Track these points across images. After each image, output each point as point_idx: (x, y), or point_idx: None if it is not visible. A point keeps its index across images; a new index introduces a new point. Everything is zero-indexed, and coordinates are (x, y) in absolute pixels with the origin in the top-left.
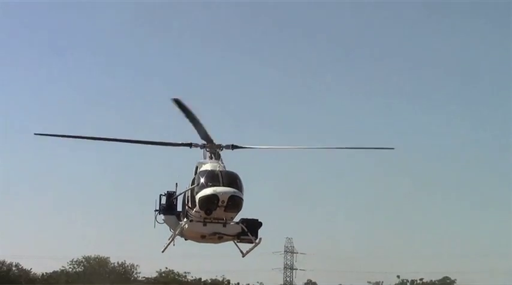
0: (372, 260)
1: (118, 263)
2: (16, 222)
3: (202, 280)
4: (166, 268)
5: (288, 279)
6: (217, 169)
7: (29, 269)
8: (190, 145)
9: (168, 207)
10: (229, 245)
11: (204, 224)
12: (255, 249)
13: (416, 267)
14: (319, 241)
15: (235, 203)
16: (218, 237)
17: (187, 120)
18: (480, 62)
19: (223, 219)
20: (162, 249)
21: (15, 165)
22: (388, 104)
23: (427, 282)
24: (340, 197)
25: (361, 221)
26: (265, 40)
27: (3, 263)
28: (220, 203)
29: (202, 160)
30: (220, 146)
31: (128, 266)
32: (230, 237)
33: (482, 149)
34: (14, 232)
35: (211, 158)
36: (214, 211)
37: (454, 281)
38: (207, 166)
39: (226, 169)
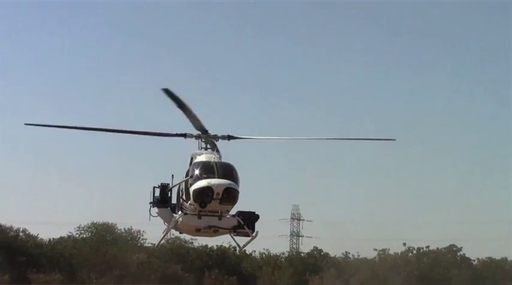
0: (378, 227)
1: (125, 229)
2: (23, 188)
3: (208, 247)
4: (173, 235)
5: (294, 246)
6: (213, 160)
7: (36, 234)
8: (184, 135)
9: (162, 200)
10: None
11: (199, 217)
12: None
13: (422, 235)
14: (326, 208)
15: (230, 195)
16: (213, 231)
17: (179, 110)
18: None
19: (218, 212)
20: (156, 244)
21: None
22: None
23: (433, 249)
24: (345, 164)
25: (367, 188)
26: None
27: (10, 228)
28: (215, 196)
29: (197, 151)
30: (216, 137)
31: (134, 232)
32: (226, 231)
33: (489, 114)
34: (21, 198)
35: (206, 149)
36: (209, 204)
37: (460, 249)
38: (202, 157)
39: (222, 160)
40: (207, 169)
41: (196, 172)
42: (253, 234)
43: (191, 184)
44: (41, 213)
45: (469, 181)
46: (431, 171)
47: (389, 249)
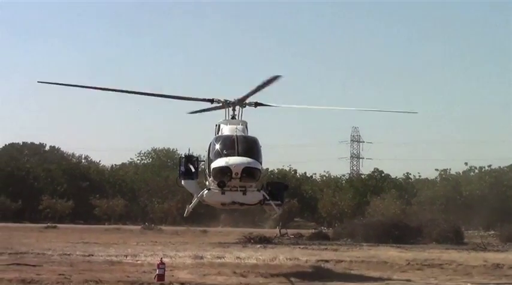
0: (439, 147)
1: (185, 154)
2: (84, 115)
3: (269, 170)
4: None
5: (354, 168)
6: (235, 133)
7: (98, 161)
8: (212, 100)
9: (187, 171)
10: (294, 139)
11: (223, 193)
12: None
13: (484, 154)
14: (386, 130)
15: (249, 174)
16: (239, 204)
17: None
18: None
19: (241, 187)
20: (185, 214)
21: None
22: None
23: (495, 168)
24: (403, 85)
25: (426, 107)
26: None
27: (72, 155)
28: (233, 176)
29: (222, 120)
30: (243, 104)
31: (194, 156)
32: (251, 205)
33: None
34: (82, 125)
35: (233, 117)
36: (229, 182)
37: None
38: (225, 130)
39: (246, 130)
40: (228, 145)
41: (217, 147)
42: (279, 210)
43: (211, 160)
44: (102, 140)
45: None
46: (491, 89)
47: (450, 169)
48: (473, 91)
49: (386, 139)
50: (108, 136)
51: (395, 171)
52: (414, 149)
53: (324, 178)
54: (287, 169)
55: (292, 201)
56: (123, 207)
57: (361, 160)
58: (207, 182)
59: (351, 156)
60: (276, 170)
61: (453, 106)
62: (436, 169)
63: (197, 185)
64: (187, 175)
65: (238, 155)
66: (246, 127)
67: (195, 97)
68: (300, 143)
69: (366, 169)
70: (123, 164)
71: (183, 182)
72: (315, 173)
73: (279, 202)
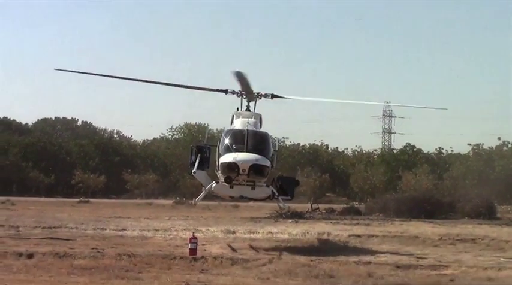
0: (472, 122)
1: (217, 129)
2: (116, 91)
3: (300, 145)
4: None
5: (386, 143)
6: (246, 128)
7: (129, 136)
8: (226, 91)
9: (197, 162)
10: (327, 112)
11: (231, 187)
12: None
13: None
14: (418, 104)
15: (257, 171)
16: (248, 199)
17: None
18: None
19: (250, 181)
20: (194, 202)
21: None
22: None
23: None
24: (435, 59)
25: (457, 82)
26: None
27: (104, 130)
28: (241, 172)
29: (238, 112)
30: (258, 95)
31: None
32: (260, 200)
33: None
34: (114, 100)
35: (248, 108)
36: (237, 177)
37: None
38: (236, 123)
39: (257, 127)
40: (238, 140)
41: (227, 141)
42: (285, 207)
43: (220, 155)
44: (134, 115)
45: None
46: None
47: (483, 143)
48: (507, 65)
49: (418, 114)
50: (139, 111)
51: (428, 146)
52: (446, 124)
53: (356, 153)
54: (319, 144)
55: (324, 176)
56: (155, 182)
57: (393, 134)
58: (217, 174)
59: (383, 131)
60: (308, 145)
61: (485, 80)
62: (469, 144)
63: (207, 176)
64: (197, 165)
65: (247, 151)
66: (260, 120)
67: (209, 87)
68: (332, 117)
69: (397, 144)
70: (154, 139)
71: (194, 172)
72: (347, 148)
73: (288, 197)
